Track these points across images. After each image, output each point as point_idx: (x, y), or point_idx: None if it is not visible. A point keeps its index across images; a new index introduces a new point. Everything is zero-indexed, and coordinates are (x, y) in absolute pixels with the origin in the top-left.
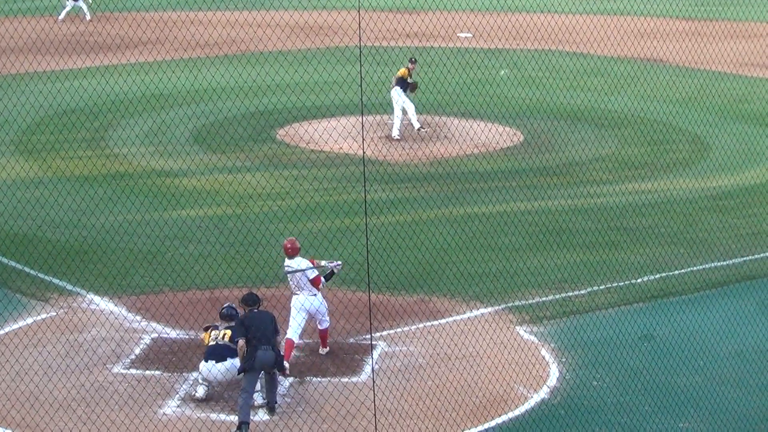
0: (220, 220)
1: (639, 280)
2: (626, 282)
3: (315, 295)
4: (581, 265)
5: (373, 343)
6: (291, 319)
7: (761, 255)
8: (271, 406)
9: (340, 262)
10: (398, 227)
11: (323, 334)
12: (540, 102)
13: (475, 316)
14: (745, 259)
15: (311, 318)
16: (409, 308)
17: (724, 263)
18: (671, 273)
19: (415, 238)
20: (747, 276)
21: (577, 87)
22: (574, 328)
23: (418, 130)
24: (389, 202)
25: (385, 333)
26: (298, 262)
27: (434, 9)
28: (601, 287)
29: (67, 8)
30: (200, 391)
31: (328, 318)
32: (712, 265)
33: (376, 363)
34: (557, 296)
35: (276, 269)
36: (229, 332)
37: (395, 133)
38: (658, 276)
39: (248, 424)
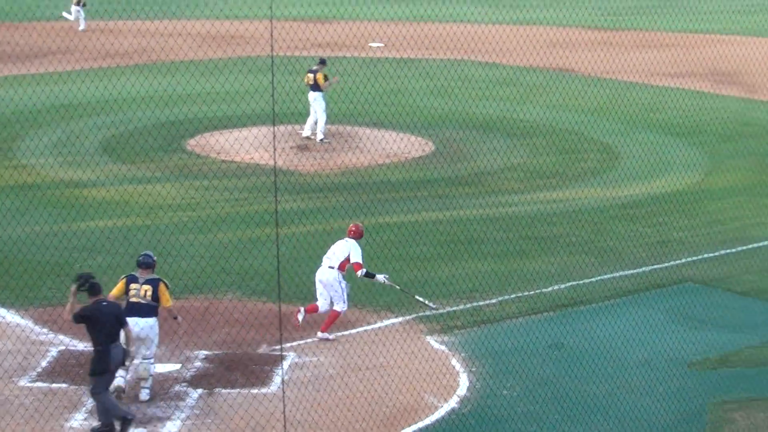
0: (129, 231)
1: (549, 289)
2: (536, 291)
3: (332, 268)
4: (491, 275)
5: (283, 353)
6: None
7: (669, 263)
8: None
9: (387, 275)
10: (309, 237)
11: (332, 315)
12: (451, 112)
13: (386, 326)
14: (653, 267)
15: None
16: (320, 318)
17: (633, 272)
18: (580, 282)
19: (326, 248)
20: (655, 284)
21: (488, 97)
22: (484, 337)
23: (306, 137)
24: (300, 212)
25: (295, 344)
26: (351, 247)
27: (346, 18)
28: (511, 296)
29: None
30: (144, 394)
31: (343, 305)
32: (621, 273)
33: (286, 374)
34: (467, 305)
35: (186, 279)
36: (150, 288)
37: (320, 136)
38: (567, 285)
39: (130, 417)
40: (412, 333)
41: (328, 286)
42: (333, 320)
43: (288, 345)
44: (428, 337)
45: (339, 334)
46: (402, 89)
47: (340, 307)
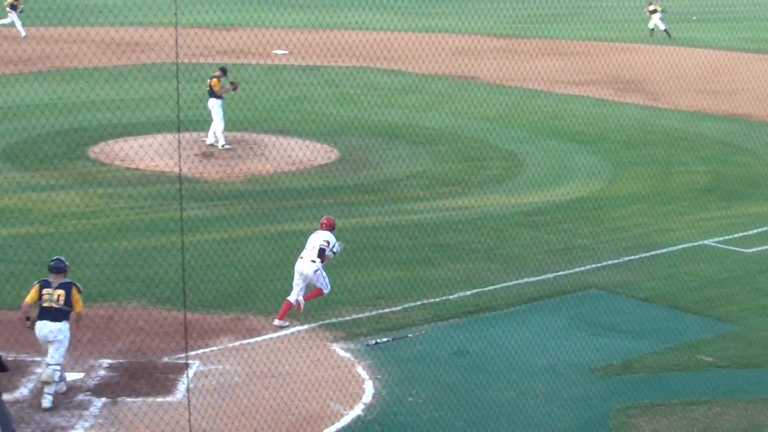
0: (32, 238)
1: (453, 296)
2: (441, 298)
3: (314, 261)
4: (396, 282)
5: (188, 362)
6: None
7: (573, 270)
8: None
9: (341, 244)
10: (214, 245)
11: (313, 293)
12: (356, 119)
13: (291, 334)
14: (557, 274)
15: (307, 284)
16: (225, 326)
17: (537, 278)
18: (485, 289)
19: (231, 256)
20: (559, 291)
21: (392, 104)
22: (390, 344)
23: (223, 145)
24: (205, 220)
25: (200, 352)
26: (326, 236)
27: (251, 26)
28: (416, 303)
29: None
30: (46, 401)
31: (326, 289)
32: (526, 280)
33: (191, 382)
34: (372, 313)
35: (90, 287)
36: (63, 293)
37: (222, 142)
38: (472, 292)
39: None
40: (318, 340)
41: (311, 277)
42: (316, 295)
43: (193, 353)
44: (333, 345)
45: (244, 341)
46: (306, 96)
47: (326, 289)
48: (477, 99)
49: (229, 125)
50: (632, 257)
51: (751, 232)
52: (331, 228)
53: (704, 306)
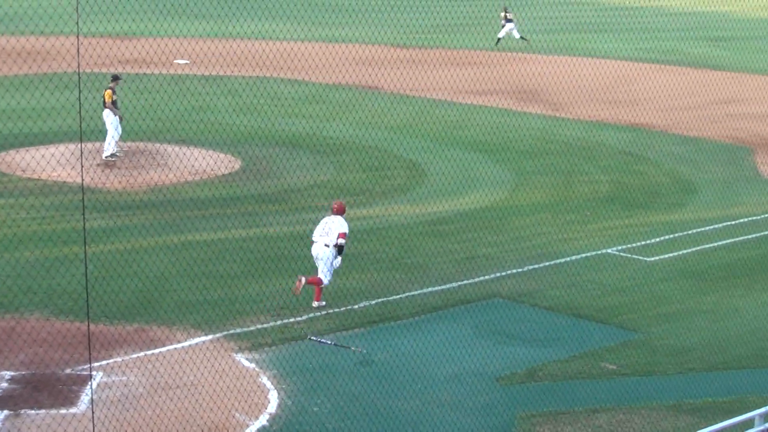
0: None
1: (357, 306)
2: (345, 308)
3: (327, 246)
4: (301, 291)
5: (91, 373)
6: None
7: (477, 279)
8: None
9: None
10: (117, 255)
11: (314, 280)
12: (258, 129)
13: (195, 344)
14: (461, 283)
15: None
16: (128, 337)
17: (441, 288)
18: (389, 298)
19: (134, 266)
20: (463, 300)
21: (295, 114)
22: (294, 354)
23: (111, 155)
24: (108, 230)
25: (103, 363)
26: (339, 223)
27: (154, 35)
28: (320, 313)
29: None
30: None
31: (327, 279)
32: (430, 289)
33: (94, 393)
34: (276, 323)
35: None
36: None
37: (115, 150)
38: (376, 301)
39: None
40: (222, 350)
41: (321, 260)
42: (316, 283)
43: (96, 364)
44: (237, 355)
45: (148, 352)
46: (208, 106)
47: (326, 279)
48: (380, 109)
49: (132, 135)
50: (535, 266)
51: (652, 241)
52: (341, 212)
53: (607, 314)
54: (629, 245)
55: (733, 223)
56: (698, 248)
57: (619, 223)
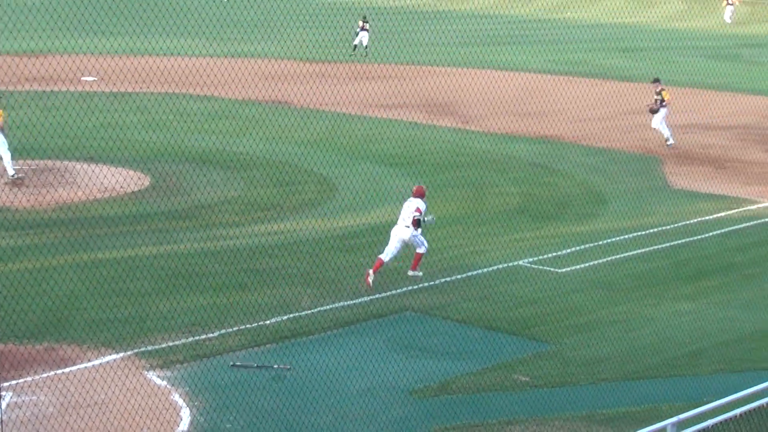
0: None
1: (269, 322)
2: (257, 324)
3: (408, 227)
4: (212, 308)
5: (0, 393)
6: (389, 243)
7: (389, 293)
8: None
9: (432, 217)
10: (26, 274)
11: (416, 258)
12: (167, 145)
13: (105, 363)
14: (372, 297)
15: (405, 246)
16: (38, 356)
17: (353, 302)
18: (301, 313)
19: (44, 285)
20: (375, 314)
21: (204, 130)
22: (206, 370)
23: (13, 176)
24: (16, 249)
25: (13, 383)
26: (418, 203)
27: (61, 52)
28: (231, 329)
29: None
30: None
31: (424, 247)
32: (341, 304)
33: (4, 414)
34: (188, 340)
35: None
36: None
37: (10, 171)
38: (288, 317)
39: None
40: (133, 368)
41: (408, 240)
42: (419, 259)
43: (5, 384)
44: (149, 373)
45: (58, 371)
46: (117, 123)
47: (422, 249)
48: (290, 124)
49: (40, 153)
50: (447, 279)
51: (563, 252)
52: (421, 195)
53: (519, 326)
54: (541, 257)
55: (643, 233)
56: (609, 258)
57: (531, 234)
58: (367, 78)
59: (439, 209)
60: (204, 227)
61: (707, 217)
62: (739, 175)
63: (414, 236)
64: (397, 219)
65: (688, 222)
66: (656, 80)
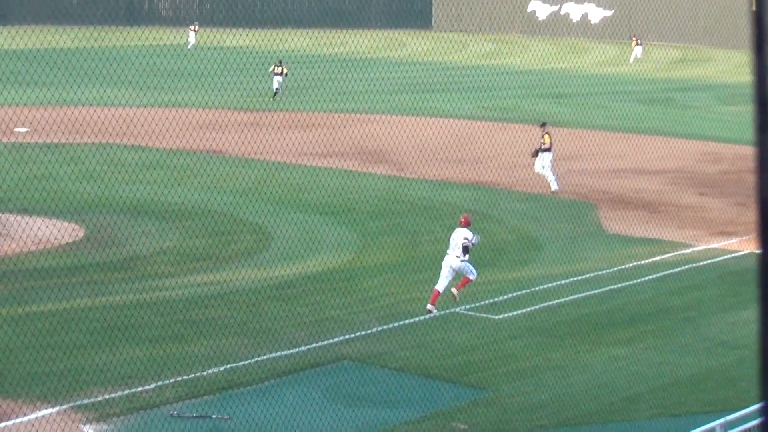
0: None
1: (206, 373)
2: (194, 375)
3: (458, 257)
4: (148, 360)
5: None
6: (441, 273)
7: (326, 342)
8: None
9: (477, 236)
10: None
11: (464, 281)
12: (101, 196)
13: (41, 417)
14: (310, 346)
15: (456, 274)
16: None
17: (290, 352)
18: (238, 364)
19: None
20: (312, 363)
21: (138, 180)
22: (144, 423)
23: None
24: None
25: None
26: (465, 233)
27: None
28: (168, 381)
29: None
30: None
31: (473, 276)
32: (278, 354)
33: None
34: (125, 392)
35: None
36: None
37: None
38: (224, 367)
39: None
40: (69, 422)
41: (459, 269)
42: (465, 283)
43: None
44: (85, 426)
45: None
46: (50, 174)
47: (472, 276)
48: (224, 173)
49: None
50: (383, 327)
51: (499, 299)
52: (468, 225)
53: (456, 373)
54: (477, 303)
55: (578, 278)
56: (545, 304)
57: None
58: (300, 126)
59: (373, 257)
60: (139, 278)
61: (642, 262)
62: (673, 218)
63: (464, 263)
64: (447, 250)
65: (623, 267)
66: (543, 124)
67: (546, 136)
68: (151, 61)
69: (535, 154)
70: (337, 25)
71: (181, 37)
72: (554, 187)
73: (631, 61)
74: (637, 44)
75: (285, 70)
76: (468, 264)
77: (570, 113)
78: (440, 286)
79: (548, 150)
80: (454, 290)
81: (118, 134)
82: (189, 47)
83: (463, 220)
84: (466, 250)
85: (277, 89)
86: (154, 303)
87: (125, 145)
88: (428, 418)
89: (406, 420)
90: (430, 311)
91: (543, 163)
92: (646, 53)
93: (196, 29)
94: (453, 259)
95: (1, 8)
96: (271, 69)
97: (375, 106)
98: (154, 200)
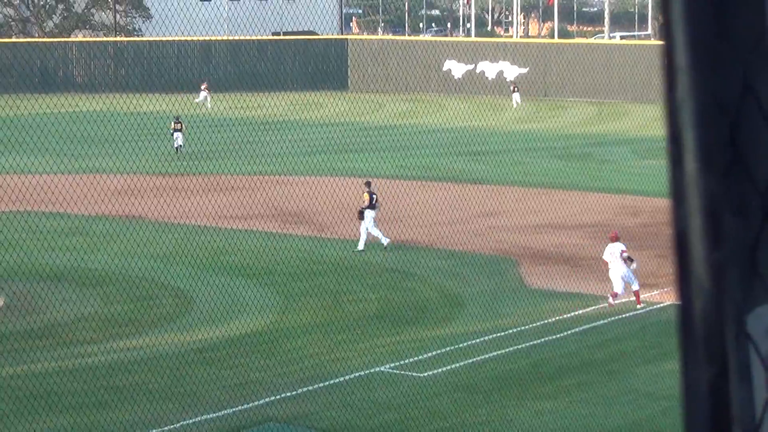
0: None
1: None
2: None
3: (623, 265)
4: (72, 428)
5: None
6: (614, 282)
7: (250, 404)
8: None
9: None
10: None
11: (636, 293)
12: (20, 264)
13: None
14: (235, 409)
15: (625, 283)
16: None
17: (215, 415)
18: (163, 429)
19: None
20: (237, 426)
21: (56, 247)
22: None
23: None
24: None
25: None
26: (620, 246)
27: None
28: None
29: None
30: None
31: (636, 283)
32: (203, 417)
33: None
34: None
35: None
36: None
37: None
38: None
39: None
40: None
41: (626, 277)
42: (638, 295)
43: None
44: None
45: None
46: None
47: (636, 286)
48: (143, 238)
49: None
50: (308, 388)
51: (423, 356)
52: (617, 239)
53: None
54: (401, 362)
55: (501, 334)
56: (469, 361)
57: (390, 340)
58: (219, 190)
59: (296, 319)
60: (61, 345)
61: (565, 316)
62: (594, 272)
63: (629, 271)
64: (609, 264)
65: (546, 321)
66: (367, 182)
67: (365, 195)
68: (68, 128)
69: (360, 215)
70: (253, 88)
71: (137, 103)
72: (384, 241)
73: (514, 106)
74: (514, 91)
75: (183, 126)
76: (631, 272)
77: (488, 170)
78: (618, 288)
79: (371, 208)
80: (635, 287)
81: (36, 201)
82: (208, 107)
83: (612, 235)
84: (630, 259)
85: (179, 145)
86: (76, 370)
87: (43, 213)
88: None
89: None
90: (611, 304)
91: (366, 223)
92: (562, 109)
93: (207, 88)
94: (619, 268)
95: None
96: (171, 126)
97: (293, 168)
98: (74, 267)
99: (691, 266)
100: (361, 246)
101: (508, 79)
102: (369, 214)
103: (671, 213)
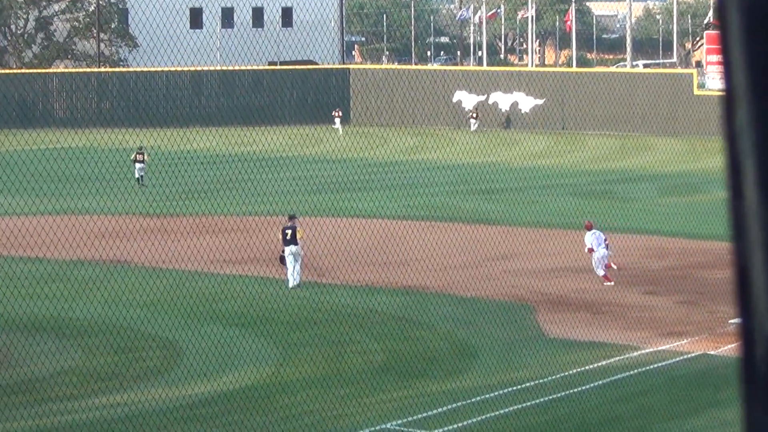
0: None
1: None
2: None
3: (605, 249)
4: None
5: None
6: (596, 262)
7: None
8: None
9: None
10: None
11: (608, 266)
12: None
13: None
14: None
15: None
16: None
17: None
18: None
19: None
20: None
21: (35, 295)
22: None
23: None
24: None
25: None
26: (597, 234)
27: None
28: None
29: None
30: None
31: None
32: None
33: None
34: None
35: None
36: None
37: None
38: None
39: None
40: None
41: (604, 257)
42: (609, 266)
43: None
44: None
45: None
46: None
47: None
48: (129, 285)
49: None
50: None
51: (432, 412)
52: (592, 228)
53: None
54: (409, 418)
55: (518, 387)
56: (482, 417)
57: (397, 395)
58: (212, 232)
59: (295, 372)
60: (38, 402)
61: (586, 367)
62: (618, 320)
63: (606, 254)
64: (595, 248)
65: (566, 373)
66: (291, 217)
67: (298, 230)
68: (47, 165)
69: (281, 259)
70: (247, 122)
71: (122, 138)
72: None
73: (472, 129)
74: (472, 117)
75: (146, 157)
76: (606, 255)
77: (501, 210)
78: (601, 272)
79: (292, 243)
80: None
81: (12, 245)
82: (339, 133)
83: (587, 225)
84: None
85: (140, 176)
86: (55, 428)
87: (20, 257)
88: None
89: None
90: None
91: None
92: (581, 143)
93: (340, 114)
94: (602, 252)
95: None
96: (132, 157)
97: (291, 208)
98: (53, 316)
99: (753, 307)
100: (291, 283)
101: (466, 108)
102: (288, 250)
103: (731, 248)
